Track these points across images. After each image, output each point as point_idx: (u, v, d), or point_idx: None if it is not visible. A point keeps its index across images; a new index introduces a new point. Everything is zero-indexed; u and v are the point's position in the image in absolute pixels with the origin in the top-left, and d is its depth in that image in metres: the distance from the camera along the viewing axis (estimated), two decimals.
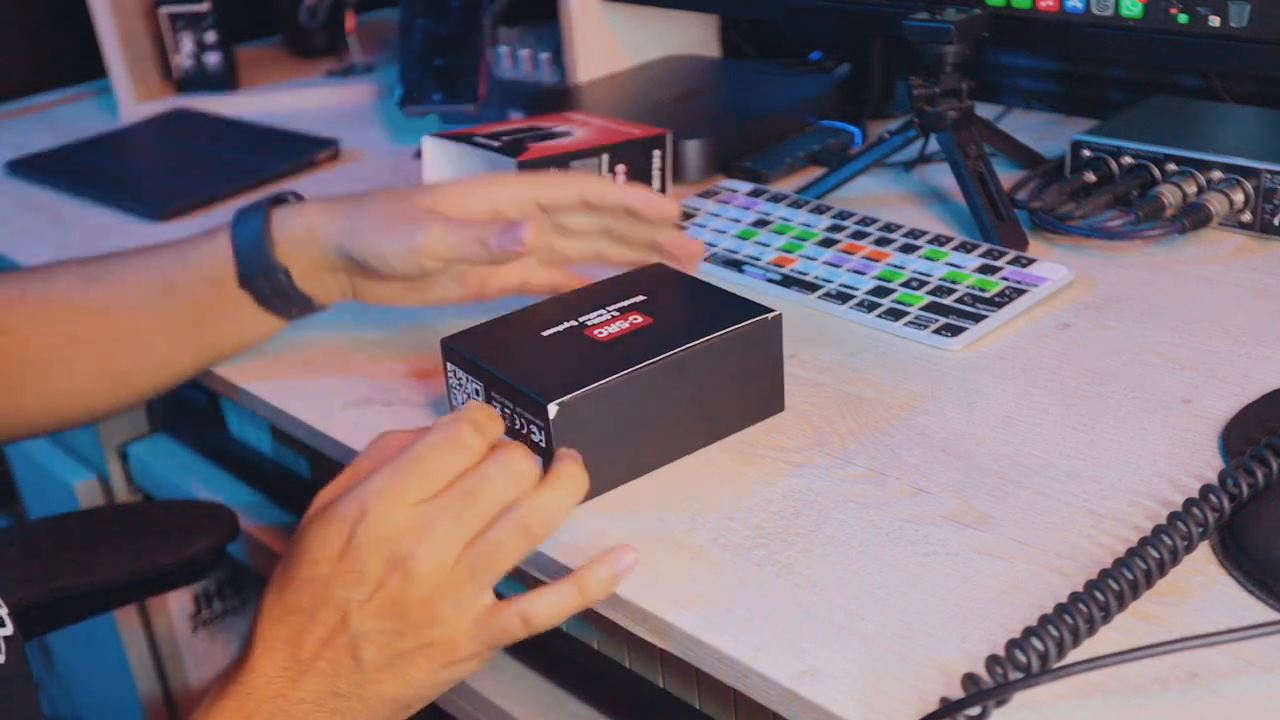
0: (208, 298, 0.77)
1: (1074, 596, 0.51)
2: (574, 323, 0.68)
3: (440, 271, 0.75)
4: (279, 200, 0.78)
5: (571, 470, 0.58)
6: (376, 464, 0.58)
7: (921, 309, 0.79)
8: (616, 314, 0.69)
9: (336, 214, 0.75)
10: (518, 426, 0.64)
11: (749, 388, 0.69)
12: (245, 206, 0.77)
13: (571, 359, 0.65)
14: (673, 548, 0.60)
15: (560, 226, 0.77)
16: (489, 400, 0.66)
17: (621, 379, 0.63)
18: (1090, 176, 0.92)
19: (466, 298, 0.78)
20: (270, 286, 0.76)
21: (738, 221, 0.95)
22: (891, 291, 0.82)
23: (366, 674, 0.56)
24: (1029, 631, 0.50)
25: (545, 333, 0.68)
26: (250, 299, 0.77)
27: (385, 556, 0.55)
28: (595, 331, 0.68)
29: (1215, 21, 0.83)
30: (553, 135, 0.98)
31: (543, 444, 0.63)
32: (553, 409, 0.62)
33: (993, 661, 0.49)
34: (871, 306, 0.80)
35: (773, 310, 0.68)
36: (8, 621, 0.59)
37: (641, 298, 0.70)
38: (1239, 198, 0.86)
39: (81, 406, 0.80)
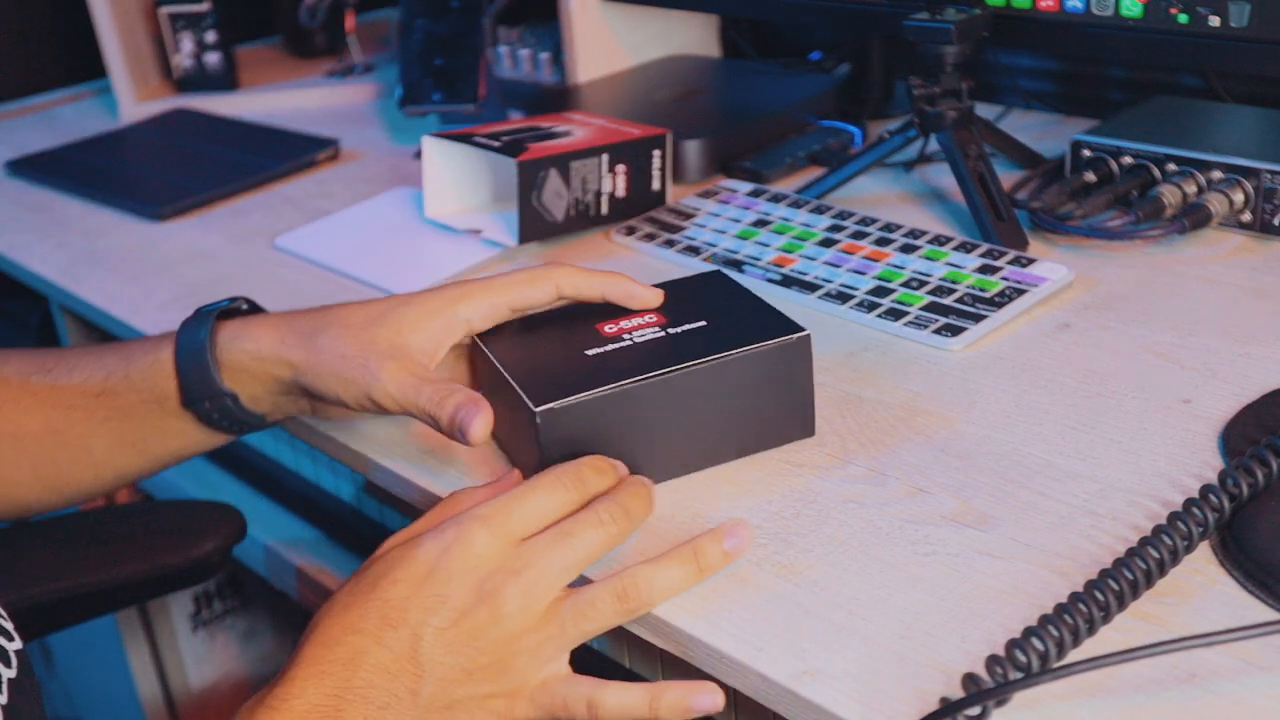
0: (149, 413, 0.71)
1: (1074, 596, 0.51)
2: (597, 322, 0.68)
3: None
4: (228, 312, 0.71)
5: (700, 546, 0.56)
6: (444, 518, 0.56)
7: (921, 309, 0.79)
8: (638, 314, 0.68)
9: (287, 344, 0.67)
10: (523, 423, 0.64)
11: (771, 409, 0.66)
12: (190, 319, 0.71)
13: (578, 361, 0.65)
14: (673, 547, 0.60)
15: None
16: (494, 396, 0.65)
17: (616, 390, 0.62)
18: (1090, 176, 0.92)
19: None
20: (216, 410, 0.70)
21: (738, 221, 0.95)
22: (891, 291, 0.82)
23: (419, 713, 0.53)
24: (1029, 631, 0.50)
25: (565, 330, 0.68)
26: (194, 419, 0.71)
27: (474, 586, 0.53)
28: (605, 326, 0.67)
29: (1215, 21, 0.83)
30: (553, 135, 0.98)
31: (534, 447, 0.63)
32: (540, 414, 0.61)
33: (993, 661, 0.49)
34: (871, 306, 0.80)
35: (802, 330, 0.66)
36: (14, 634, 0.59)
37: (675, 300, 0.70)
38: (1239, 198, 0.86)
39: (11, 499, 0.74)
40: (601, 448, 0.63)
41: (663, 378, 0.63)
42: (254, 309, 0.73)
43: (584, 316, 0.69)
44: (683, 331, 0.66)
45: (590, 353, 0.65)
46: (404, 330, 0.66)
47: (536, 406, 0.61)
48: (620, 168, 0.97)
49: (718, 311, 0.68)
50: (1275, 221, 0.85)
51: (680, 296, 0.70)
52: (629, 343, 0.66)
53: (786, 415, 0.67)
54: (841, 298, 0.82)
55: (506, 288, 0.67)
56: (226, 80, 1.47)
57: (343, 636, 0.53)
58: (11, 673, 0.57)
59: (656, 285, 0.70)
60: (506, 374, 0.64)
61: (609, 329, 0.67)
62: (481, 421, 0.61)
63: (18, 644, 0.59)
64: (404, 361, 0.64)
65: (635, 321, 0.68)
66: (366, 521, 0.92)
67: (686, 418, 0.64)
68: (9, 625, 0.59)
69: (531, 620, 0.54)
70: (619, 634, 0.70)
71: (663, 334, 0.66)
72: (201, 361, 0.68)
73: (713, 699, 0.55)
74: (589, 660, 0.75)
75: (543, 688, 0.55)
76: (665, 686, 0.55)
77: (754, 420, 0.66)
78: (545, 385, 0.63)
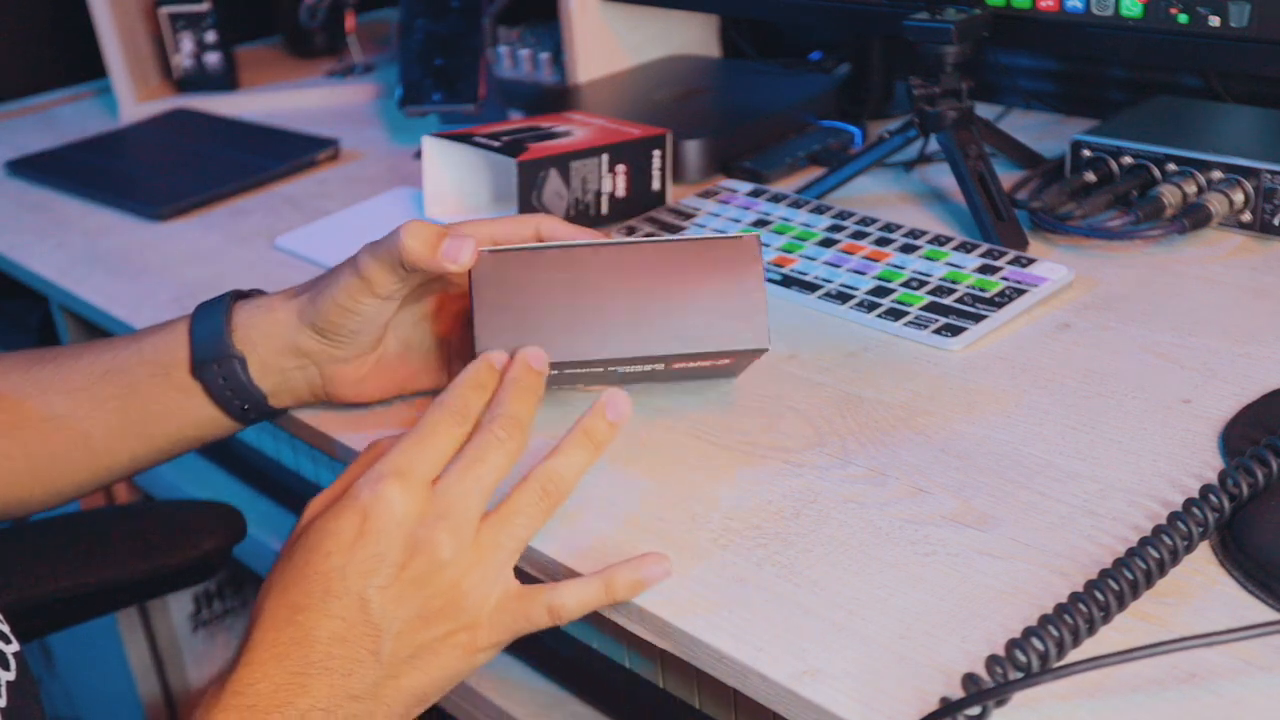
0: (154, 388, 0.71)
1: (1074, 596, 0.51)
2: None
3: (402, 324, 0.71)
4: (245, 295, 0.73)
5: (588, 426, 0.58)
6: (358, 475, 0.57)
7: (921, 309, 0.79)
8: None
9: (294, 294, 0.70)
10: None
11: (719, 306, 0.65)
12: (208, 300, 0.72)
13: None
14: (673, 548, 0.60)
15: None
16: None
17: (557, 248, 0.63)
18: (1090, 176, 0.92)
19: (441, 381, 0.73)
20: (224, 375, 0.70)
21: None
22: (891, 291, 0.82)
23: (385, 670, 0.54)
24: (1029, 631, 0.50)
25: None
26: (200, 390, 0.71)
27: (404, 539, 0.54)
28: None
29: (1215, 21, 0.83)
30: (553, 135, 0.98)
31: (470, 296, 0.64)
32: (481, 254, 0.63)
33: (993, 661, 0.49)
34: (871, 306, 0.80)
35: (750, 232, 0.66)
36: (11, 637, 0.59)
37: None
38: (1239, 198, 0.86)
39: (4, 495, 0.73)
40: (541, 309, 0.63)
41: (604, 245, 0.64)
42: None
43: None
44: (645, 234, 0.67)
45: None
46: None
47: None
48: (620, 168, 0.97)
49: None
50: (1275, 221, 0.85)
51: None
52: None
53: (736, 317, 0.65)
54: (841, 298, 0.82)
55: (488, 225, 0.69)
56: (226, 80, 1.47)
57: (291, 616, 0.54)
58: (10, 675, 0.57)
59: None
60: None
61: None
62: (469, 245, 0.63)
63: (15, 647, 0.59)
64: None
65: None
66: None
67: (626, 292, 0.64)
68: (6, 628, 0.59)
69: (468, 554, 0.55)
70: (619, 634, 0.70)
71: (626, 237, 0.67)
72: (215, 325, 0.70)
73: (661, 567, 0.57)
74: (589, 659, 0.75)
75: (498, 610, 0.56)
76: (614, 570, 0.57)
77: (699, 313, 0.65)
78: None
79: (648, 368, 0.67)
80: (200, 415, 0.72)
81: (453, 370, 0.73)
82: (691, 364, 0.67)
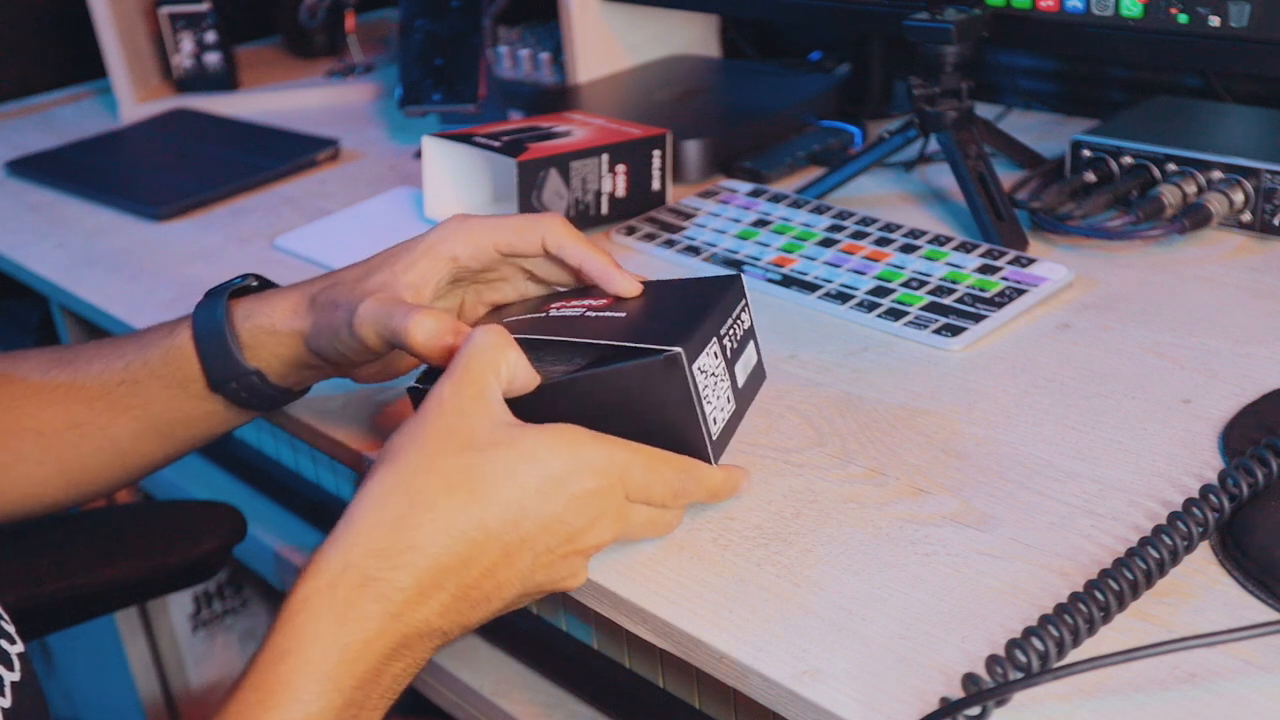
0: (173, 399, 0.71)
1: (1074, 596, 0.51)
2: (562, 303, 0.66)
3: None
4: (240, 290, 0.71)
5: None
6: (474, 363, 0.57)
7: (921, 309, 0.79)
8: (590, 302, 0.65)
9: (297, 313, 0.68)
10: None
11: (656, 430, 0.59)
12: (204, 301, 0.70)
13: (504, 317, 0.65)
14: (673, 548, 0.60)
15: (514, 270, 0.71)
16: None
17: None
18: (1090, 176, 0.92)
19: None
20: (245, 390, 0.69)
21: (738, 221, 0.95)
22: (891, 291, 0.82)
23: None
24: (1029, 631, 0.50)
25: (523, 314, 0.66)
26: (225, 401, 0.70)
27: (586, 525, 0.57)
28: (552, 308, 0.65)
29: (1215, 21, 0.83)
30: (553, 135, 0.98)
31: None
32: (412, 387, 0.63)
33: (993, 661, 0.49)
34: (871, 306, 0.80)
35: (671, 349, 0.57)
36: (16, 638, 0.59)
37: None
38: (1239, 198, 0.86)
39: (33, 499, 0.73)
40: None
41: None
42: (264, 285, 0.73)
43: (567, 296, 0.67)
44: (599, 317, 0.62)
45: (507, 320, 0.65)
46: (397, 273, 0.66)
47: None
48: (620, 168, 0.97)
49: (662, 313, 0.63)
50: (1275, 221, 0.85)
51: (666, 292, 0.66)
52: (543, 316, 0.64)
53: (679, 439, 0.60)
54: (841, 298, 0.82)
55: (494, 228, 0.67)
56: (226, 80, 1.47)
57: (470, 536, 0.55)
58: (15, 676, 0.57)
59: (673, 280, 0.67)
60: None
61: (555, 305, 0.65)
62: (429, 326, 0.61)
63: (20, 647, 0.59)
64: (382, 296, 0.64)
65: (580, 302, 0.65)
66: None
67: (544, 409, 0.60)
68: (11, 628, 0.59)
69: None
70: (618, 634, 0.70)
71: (580, 314, 0.63)
72: (222, 343, 0.68)
73: (746, 483, 0.64)
74: (589, 659, 0.75)
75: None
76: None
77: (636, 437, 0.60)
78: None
79: None
80: (225, 415, 0.72)
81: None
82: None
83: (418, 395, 0.63)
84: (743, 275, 0.67)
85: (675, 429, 0.59)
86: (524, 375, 0.58)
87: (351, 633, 0.52)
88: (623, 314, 0.63)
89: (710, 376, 0.60)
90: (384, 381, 0.73)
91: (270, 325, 0.68)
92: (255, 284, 0.72)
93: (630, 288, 0.65)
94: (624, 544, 0.61)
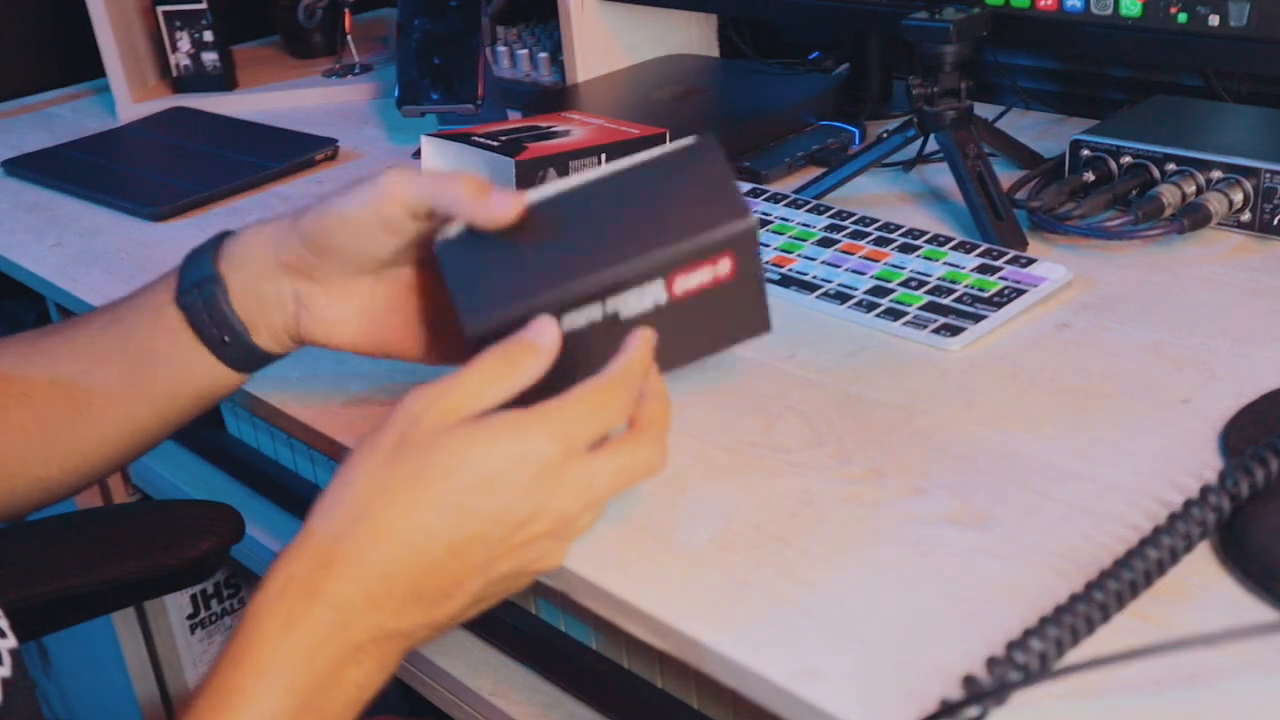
0: (145, 330, 0.70)
1: (1073, 597, 0.51)
2: None
3: (400, 271, 0.68)
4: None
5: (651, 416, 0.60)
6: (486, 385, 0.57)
7: (920, 309, 0.79)
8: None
9: (294, 213, 0.67)
10: None
11: (696, 195, 0.62)
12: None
13: None
14: (671, 548, 0.60)
15: None
16: None
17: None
18: (1089, 176, 0.92)
19: (428, 356, 0.70)
20: (203, 298, 0.67)
21: None
22: (890, 291, 0.82)
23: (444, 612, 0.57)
24: (1028, 632, 0.50)
25: None
26: (184, 323, 0.68)
27: (547, 513, 0.56)
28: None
29: (1214, 21, 0.83)
30: (551, 135, 0.98)
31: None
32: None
33: (992, 662, 0.49)
34: (870, 306, 0.80)
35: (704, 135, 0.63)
36: (9, 633, 0.59)
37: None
38: (1238, 197, 0.85)
39: (22, 478, 0.72)
40: (509, 261, 0.62)
41: (558, 192, 0.63)
42: None
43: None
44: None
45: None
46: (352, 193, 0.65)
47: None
48: None
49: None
50: (1275, 221, 0.85)
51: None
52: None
53: (712, 202, 0.62)
54: (840, 297, 0.82)
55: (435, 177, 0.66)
56: (224, 80, 1.47)
57: (417, 543, 0.55)
58: (6, 671, 0.57)
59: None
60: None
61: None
62: (519, 197, 0.62)
63: (12, 642, 0.58)
64: (399, 170, 0.64)
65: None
66: None
67: (598, 217, 0.63)
68: (4, 624, 0.59)
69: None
70: (617, 635, 0.70)
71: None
72: (203, 250, 0.69)
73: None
74: (588, 660, 0.75)
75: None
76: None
77: (677, 205, 0.62)
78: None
79: (648, 302, 0.62)
80: (190, 357, 0.69)
81: (434, 351, 0.70)
82: (691, 277, 0.62)
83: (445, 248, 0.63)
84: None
85: (711, 208, 0.61)
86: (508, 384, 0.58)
87: (299, 638, 0.53)
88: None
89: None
90: (333, 346, 0.70)
91: (258, 224, 0.69)
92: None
93: (513, 204, 0.63)
94: (626, 528, 0.60)
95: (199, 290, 0.67)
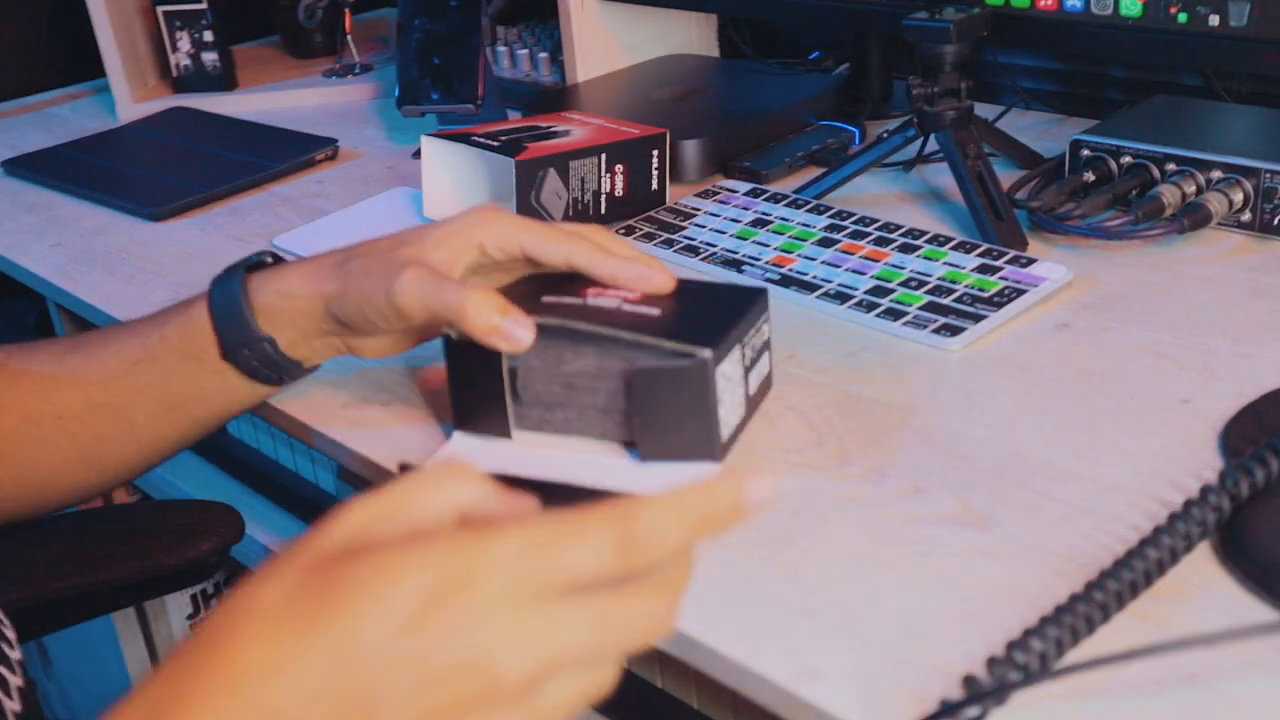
0: (188, 374, 0.72)
1: (1073, 597, 0.51)
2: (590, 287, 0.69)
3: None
4: (256, 265, 0.73)
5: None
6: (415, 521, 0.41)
7: (920, 309, 0.79)
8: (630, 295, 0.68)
9: (319, 278, 0.69)
10: None
11: (668, 428, 0.63)
12: (220, 275, 0.72)
13: (527, 300, 0.66)
14: None
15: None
16: None
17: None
18: (1089, 176, 0.92)
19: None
20: (257, 358, 0.71)
21: (736, 221, 0.94)
22: (890, 291, 0.82)
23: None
24: (1028, 632, 0.50)
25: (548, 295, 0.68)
26: (236, 372, 0.72)
27: (468, 654, 0.38)
28: (590, 289, 0.68)
29: (1214, 21, 0.83)
30: (551, 135, 0.98)
31: None
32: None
33: (992, 662, 0.49)
34: (870, 306, 0.80)
35: (700, 353, 0.61)
36: (15, 645, 0.59)
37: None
38: (1238, 197, 0.85)
39: (55, 486, 0.74)
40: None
41: (548, 326, 0.64)
42: (279, 262, 0.74)
43: (582, 280, 0.69)
44: (636, 311, 0.65)
45: (545, 299, 0.67)
46: (426, 248, 0.67)
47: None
48: (619, 167, 0.97)
49: (693, 314, 0.66)
50: (1275, 221, 0.85)
51: (701, 292, 0.69)
52: (581, 302, 0.67)
53: (690, 432, 0.63)
54: (840, 297, 0.82)
55: (526, 229, 0.68)
56: (224, 80, 1.47)
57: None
58: (19, 680, 0.57)
59: (704, 281, 0.71)
60: None
61: (590, 289, 0.68)
62: (524, 324, 0.63)
63: (18, 654, 0.58)
64: (425, 269, 0.65)
65: (615, 292, 0.68)
66: None
67: (564, 378, 0.65)
68: (11, 634, 0.59)
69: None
70: None
71: (615, 305, 0.66)
72: (236, 309, 0.70)
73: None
74: None
75: None
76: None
77: (644, 418, 0.63)
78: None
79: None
80: (238, 390, 0.73)
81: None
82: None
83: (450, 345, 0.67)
84: (768, 289, 0.70)
85: (687, 429, 0.63)
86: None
87: None
88: (656, 311, 0.66)
89: (729, 381, 0.64)
90: (389, 355, 0.74)
91: (288, 289, 0.70)
92: (270, 260, 0.74)
93: (666, 283, 0.68)
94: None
95: (249, 350, 0.70)
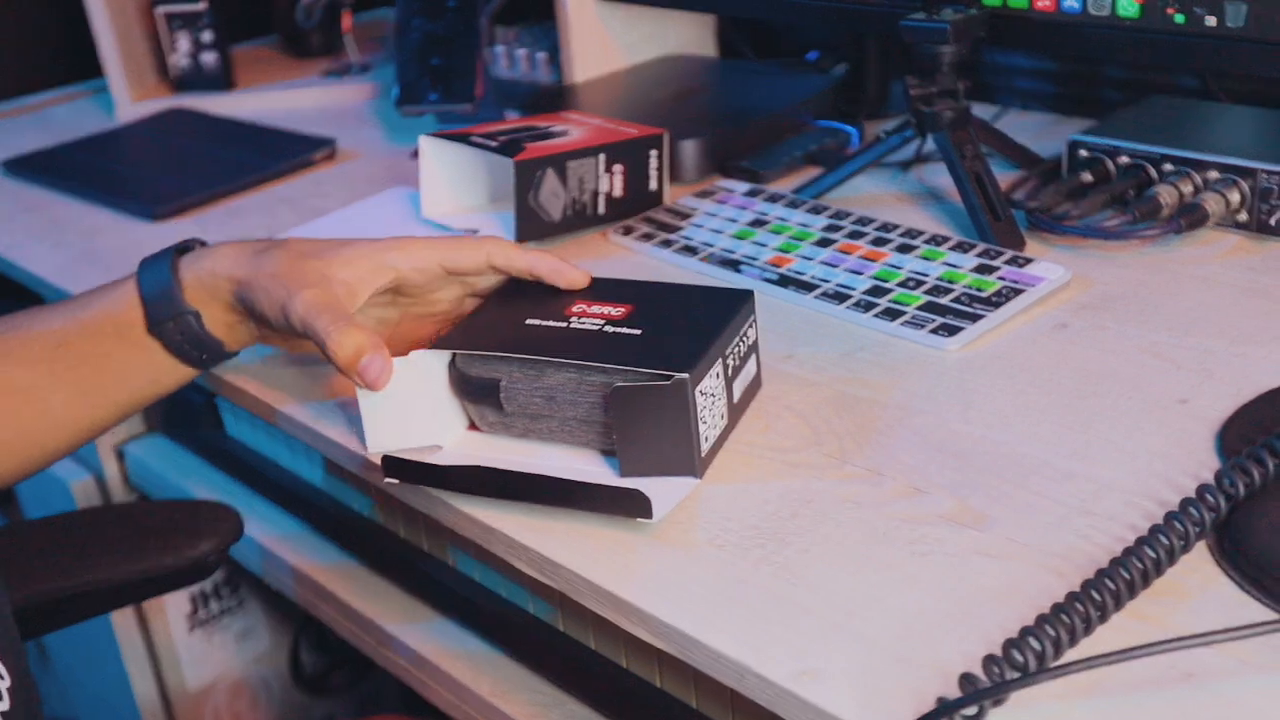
0: (110, 348, 0.73)
1: (1070, 596, 0.51)
2: (564, 306, 0.71)
3: None
4: (185, 249, 0.75)
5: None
6: None
7: (918, 309, 0.79)
8: (608, 309, 0.70)
9: (239, 262, 0.71)
10: None
11: (649, 439, 0.64)
12: (149, 256, 0.74)
13: (508, 326, 0.69)
14: (670, 548, 0.60)
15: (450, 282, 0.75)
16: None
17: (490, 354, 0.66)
18: (1087, 176, 0.92)
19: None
20: (181, 332, 0.72)
21: (734, 221, 0.95)
22: (888, 291, 0.82)
23: None
24: (1025, 631, 0.50)
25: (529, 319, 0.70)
26: (160, 346, 0.73)
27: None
28: (572, 308, 0.70)
29: (1212, 21, 0.83)
30: (549, 135, 0.98)
31: None
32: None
33: (989, 661, 0.49)
34: (868, 306, 0.80)
35: (678, 376, 0.62)
36: (6, 674, 0.59)
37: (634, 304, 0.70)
38: (1235, 198, 0.86)
39: None
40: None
41: (528, 359, 0.66)
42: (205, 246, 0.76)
43: (565, 296, 0.72)
44: (617, 333, 0.67)
45: (529, 323, 0.69)
46: (334, 265, 0.70)
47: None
48: (617, 167, 0.97)
49: (673, 330, 0.67)
50: (1271, 221, 0.85)
51: (686, 301, 0.71)
52: (564, 326, 0.68)
53: (669, 449, 0.64)
54: (838, 297, 0.82)
55: (440, 246, 0.72)
56: (223, 80, 1.47)
57: None
58: (8, 682, 0.57)
59: (689, 286, 0.73)
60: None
61: (574, 309, 0.70)
62: (379, 367, 0.66)
63: (9, 682, 0.59)
64: (323, 290, 0.68)
65: (598, 310, 0.70)
66: (364, 521, 0.91)
67: (551, 404, 0.66)
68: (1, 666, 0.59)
69: None
70: (616, 634, 0.70)
71: (598, 328, 0.68)
72: (165, 283, 0.72)
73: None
74: (587, 659, 0.75)
75: None
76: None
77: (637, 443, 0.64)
78: (459, 333, 0.69)
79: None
80: (160, 367, 0.74)
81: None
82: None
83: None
84: (753, 292, 0.71)
85: (667, 445, 0.63)
86: None
87: None
88: (637, 331, 0.67)
89: (709, 397, 0.65)
90: (304, 354, 0.77)
91: (210, 267, 0.72)
92: (197, 246, 0.76)
93: (580, 279, 0.73)
94: (625, 528, 0.60)
95: (174, 323, 0.72)
